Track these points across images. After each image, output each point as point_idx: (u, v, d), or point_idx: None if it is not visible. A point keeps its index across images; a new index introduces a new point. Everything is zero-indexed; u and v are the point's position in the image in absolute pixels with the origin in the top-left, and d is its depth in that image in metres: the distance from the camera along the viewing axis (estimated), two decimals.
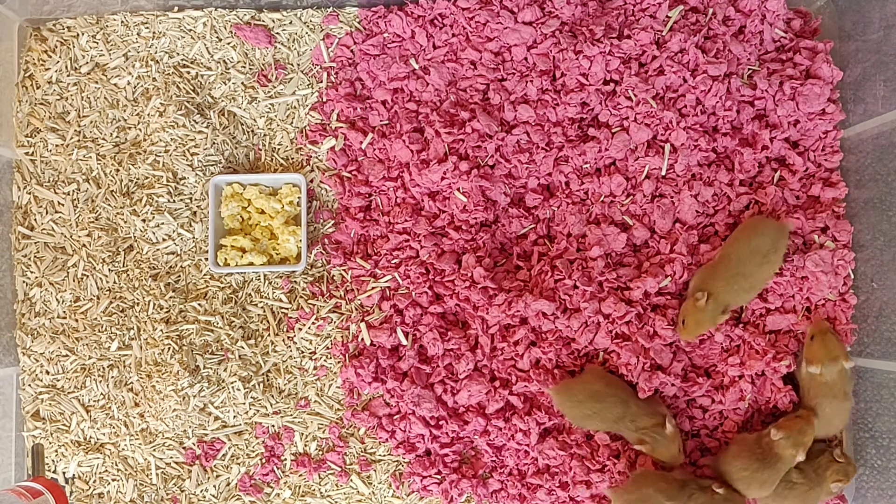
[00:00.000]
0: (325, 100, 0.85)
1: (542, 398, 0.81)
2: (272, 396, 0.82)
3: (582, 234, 0.81)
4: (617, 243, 0.80)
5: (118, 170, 0.84)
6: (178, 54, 0.85)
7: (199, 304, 0.82)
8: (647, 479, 0.75)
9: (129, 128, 0.84)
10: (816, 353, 0.76)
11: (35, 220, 0.84)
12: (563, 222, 0.81)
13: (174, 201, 0.83)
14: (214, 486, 0.81)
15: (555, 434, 0.81)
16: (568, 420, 0.79)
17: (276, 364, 0.83)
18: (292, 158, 0.85)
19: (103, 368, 0.82)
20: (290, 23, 0.86)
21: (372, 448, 0.83)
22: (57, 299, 0.83)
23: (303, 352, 0.83)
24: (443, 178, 0.80)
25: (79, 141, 0.84)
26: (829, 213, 0.81)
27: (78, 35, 0.85)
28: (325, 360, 0.83)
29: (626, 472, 0.78)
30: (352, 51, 0.86)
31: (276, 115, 0.85)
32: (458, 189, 0.80)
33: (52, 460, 0.82)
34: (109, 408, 0.82)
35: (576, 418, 0.78)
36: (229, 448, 0.82)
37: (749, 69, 0.82)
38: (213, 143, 0.82)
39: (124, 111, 0.84)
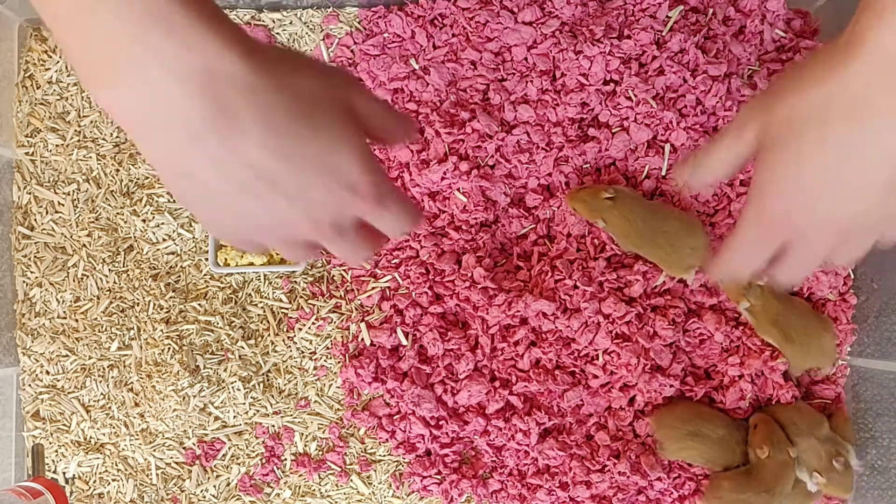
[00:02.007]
0: None
1: (542, 398, 0.81)
2: (272, 396, 0.82)
3: (582, 234, 0.81)
4: None
5: (118, 170, 0.84)
6: None
7: (199, 304, 0.82)
8: (739, 482, 0.76)
9: None
10: (732, 292, 0.78)
11: (35, 220, 0.84)
12: (564, 222, 0.81)
13: (174, 201, 0.83)
14: (214, 487, 0.82)
15: (555, 434, 0.81)
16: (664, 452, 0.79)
17: (276, 364, 0.83)
18: None
19: (103, 368, 0.82)
20: (290, 23, 0.86)
21: (372, 448, 0.83)
22: (57, 299, 0.83)
23: (303, 352, 0.83)
24: (443, 179, 0.80)
25: (79, 141, 0.84)
26: None
27: None
28: (325, 360, 0.83)
29: (626, 472, 0.78)
30: (352, 51, 0.86)
31: None
32: (458, 189, 0.80)
33: (52, 460, 0.82)
34: (109, 408, 0.82)
35: (675, 439, 0.78)
36: (229, 448, 0.82)
37: (749, 69, 0.82)
38: None
39: None
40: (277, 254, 0.83)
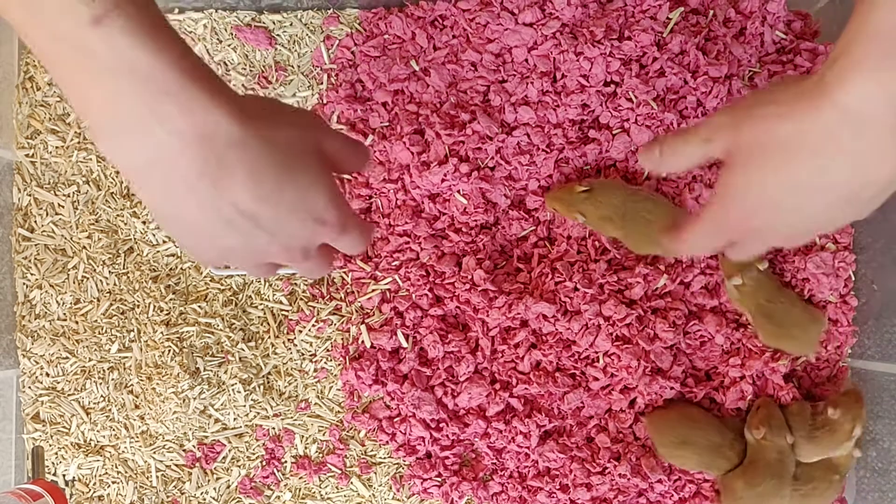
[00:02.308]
0: (325, 101, 0.85)
1: (543, 400, 0.81)
2: (272, 399, 0.82)
3: (583, 236, 0.80)
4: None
5: (118, 172, 0.83)
6: None
7: (199, 307, 0.82)
8: (749, 477, 0.76)
9: None
10: (727, 267, 0.78)
11: (35, 221, 0.83)
12: (564, 224, 0.81)
13: None
14: (215, 489, 0.81)
15: (555, 437, 0.81)
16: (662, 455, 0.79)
17: (277, 366, 0.83)
18: None
19: (103, 371, 0.82)
20: (291, 24, 0.86)
21: (372, 450, 0.83)
22: (57, 301, 0.83)
23: (303, 354, 0.83)
24: (443, 181, 0.80)
25: (79, 143, 0.84)
26: None
27: None
28: (325, 363, 0.83)
29: (626, 474, 0.78)
30: (352, 52, 0.85)
31: None
32: (458, 191, 0.80)
33: (52, 463, 0.82)
34: (109, 410, 0.82)
35: (666, 446, 0.78)
36: (229, 450, 0.82)
37: (750, 71, 0.81)
38: None
39: None
40: None
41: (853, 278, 0.81)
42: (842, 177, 0.41)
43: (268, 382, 0.83)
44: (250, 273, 0.49)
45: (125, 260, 0.83)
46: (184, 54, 0.37)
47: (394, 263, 0.82)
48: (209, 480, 0.82)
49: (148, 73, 0.35)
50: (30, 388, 0.82)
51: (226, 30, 0.85)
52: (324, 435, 0.83)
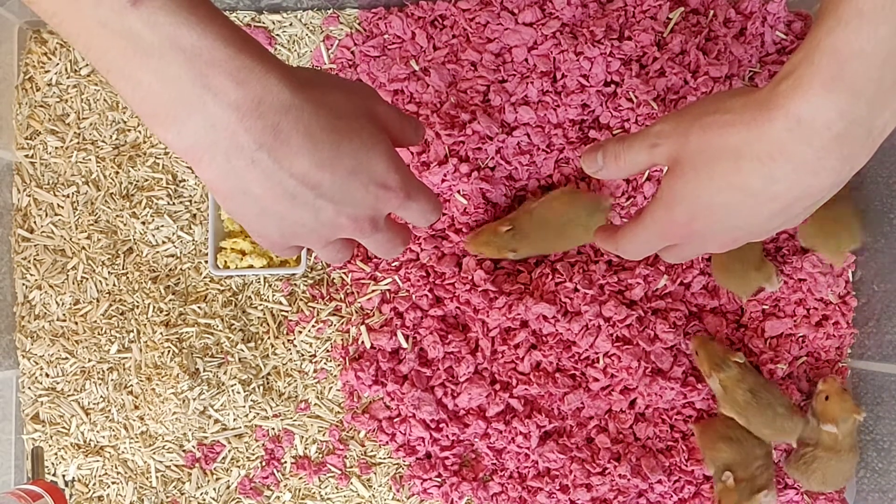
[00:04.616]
0: None
1: (543, 401, 0.80)
2: (272, 399, 0.82)
3: None
4: None
5: (118, 172, 0.83)
6: None
7: (198, 307, 0.82)
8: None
9: (129, 130, 0.84)
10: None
11: (35, 222, 0.83)
12: None
13: (174, 204, 0.83)
14: (214, 489, 0.81)
15: (555, 437, 0.81)
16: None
17: (276, 367, 0.83)
18: None
19: (103, 371, 0.82)
20: (291, 24, 0.86)
21: (372, 451, 0.83)
22: (56, 302, 0.83)
23: (303, 355, 0.83)
24: (443, 181, 0.80)
25: (78, 143, 0.84)
26: None
27: None
28: (325, 363, 0.83)
29: (626, 475, 0.78)
30: (352, 52, 0.85)
31: None
32: (458, 191, 0.80)
33: (52, 463, 0.82)
34: (109, 410, 0.82)
35: (711, 440, 0.77)
36: (229, 451, 0.82)
37: (750, 71, 0.81)
38: None
39: (124, 113, 0.84)
40: (277, 256, 0.83)
41: (852, 278, 0.81)
42: (786, 185, 0.42)
43: (267, 383, 0.83)
44: (325, 258, 0.48)
45: (125, 260, 0.83)
46: (226, 25, 0.37)
47: (394, 264, 0.82)
48: (209, 481, 0.82)
49: (194, 47, 0.35)
50: (29, 388, 0.82)
51: None
52: (323, 435, 0.82)
